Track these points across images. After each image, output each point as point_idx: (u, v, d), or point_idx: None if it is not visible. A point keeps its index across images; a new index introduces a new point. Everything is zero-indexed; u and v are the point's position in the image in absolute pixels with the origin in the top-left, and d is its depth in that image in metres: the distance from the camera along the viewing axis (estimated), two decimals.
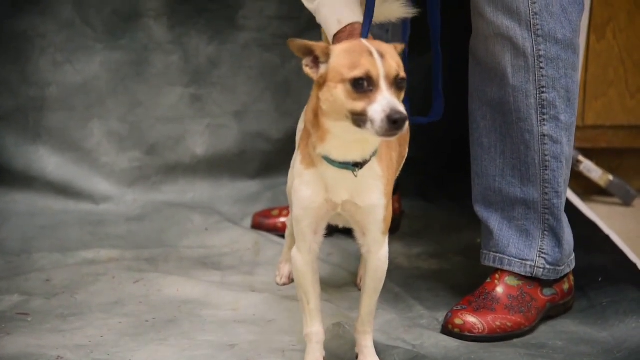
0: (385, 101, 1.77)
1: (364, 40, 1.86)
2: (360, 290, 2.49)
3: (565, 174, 2.37)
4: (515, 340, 2.31)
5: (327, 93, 1.84)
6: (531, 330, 2.36)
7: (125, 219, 3.08)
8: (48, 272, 2.66)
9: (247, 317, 2.39)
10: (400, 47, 1.91)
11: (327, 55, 1.86)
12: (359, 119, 1.79)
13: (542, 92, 2.30)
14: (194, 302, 2.48)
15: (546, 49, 2.27)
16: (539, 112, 2.31)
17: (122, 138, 3.22)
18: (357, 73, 1.80)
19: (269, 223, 3.02)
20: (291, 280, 2.60)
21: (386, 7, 2.26)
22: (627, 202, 3.47)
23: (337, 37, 2.16)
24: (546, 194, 2.36)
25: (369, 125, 1.78)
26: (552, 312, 2.43)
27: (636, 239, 3.04)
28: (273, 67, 3.28)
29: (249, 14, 3.24)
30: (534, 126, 2.32)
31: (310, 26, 2.72)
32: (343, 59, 1.83)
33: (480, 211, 2.45)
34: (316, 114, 1.89)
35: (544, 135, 2.32)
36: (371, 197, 1.97)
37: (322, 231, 2.03)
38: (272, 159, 3.24)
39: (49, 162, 3.18)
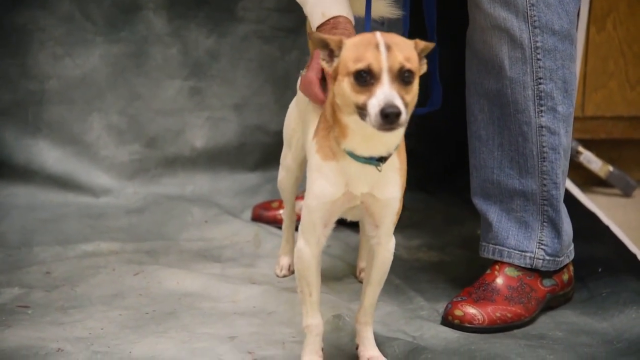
0: (382, 95, 1.76)
1: (378, 33, 1.84)
2: (361, 282, 2.49)
3: (563, 165, 2.37)
4: (515, 331, 2.31)
5: (337, 87, 1.85)
6: (531, 321, 2.36)
7: (125, 211, 3.08)
8: (48, 265, 2.66)
9: (247, 309, 2.39)
10: (424, 43, 1.88)
11: (340, 48, 1.86)
12: (362, 112, 1.79)
13: (540, 84, 2.30)
14: (194, 294, 2.48)
15: (543, 40, 2.27)
16: (536, 103, 2.31)
17: (121, 131, 3.22)
18: (359, 66, 1.79)
19: (269, 215, 3.02)
20: (291, 272, 2.60)
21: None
22: (627, 192, 3.48)
23: (320, 30, 2.15)
24: (544, 185, 2.36)
25: (367, 118, 1.78)
26: (552, 303, 2.43)
27: (636, 230, 3.04)
28: (273, 60, 3.28)
29: (248, 5, 3.23)
30: (531, 118, 2.32)
31: None
32: (351, 52, 1.83)
33: (479, 203, 2.45)
34: (334, 109, 1.89)
35: (542, 127, 2.32)
36: (390, 190, 1.96)
37: (332, 225, 2.01)
38: (272, 152, 3.23)
39: (49, 155, 3.18)
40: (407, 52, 1.82)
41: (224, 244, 2.88)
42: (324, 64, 1.89)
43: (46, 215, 3.02)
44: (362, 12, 2.22)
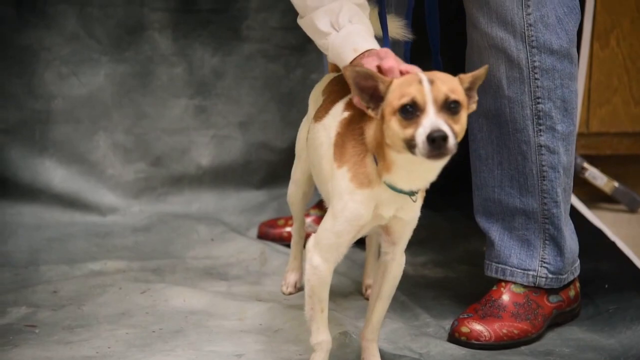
0: (428, 122, 1.78)
1: (419, 72, 1.86)
2: (367, 299, 2.49)
3: (564, 183, 2.37)
4: (522, 348, 2.31)
5: (386, 127, 1.86)
6: (538, 337, 2.36)
7: (132, 230, 3.08)
8: (55, 284, 2.66)
9: (254, 327, 2.39)
10: (469, 75, 1.89)
11: (387, 90, 1.86)
12: (411, 144, 1.80)
13: (538, 103, 2.31)
14: (200, 312, 2.48)
15: (541, 60, 2.28)
16: (535, 122, 2.32)
17: (127, 150, 3.23)
18: (404, 100, 1.81)
19: (275, 233, 3.03)
20: (297, 289, 2.60)
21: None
22: (632, 208, 3.47)
23: (352, 64, 2.14)
24: (545, 204, 2.36)
25: (417, 150, 1.79)
26: (558, 319, 2.43)
27: None
28: (277, 78, 3.29)
29: (253, 25, 3.25)
30: (530, 137, 2.33)
31: None
32: (396, 92, 1.84)
33: (482, 222, 2.45)
34: (380, 145, 1.90)
35: (541, 146, 2.33)
36: (414, 210, 2.01)
37: (351, 243, 2.04)
38: (277, 169, 3.24)
39: (55, 174, 3.19)
40: (451, 84, 1.84)
41: (230, 261, 2.88)
42: (370, 112, 1.89)
43: (53, 234, 3.02)
44: (378, 31, 2.23)
